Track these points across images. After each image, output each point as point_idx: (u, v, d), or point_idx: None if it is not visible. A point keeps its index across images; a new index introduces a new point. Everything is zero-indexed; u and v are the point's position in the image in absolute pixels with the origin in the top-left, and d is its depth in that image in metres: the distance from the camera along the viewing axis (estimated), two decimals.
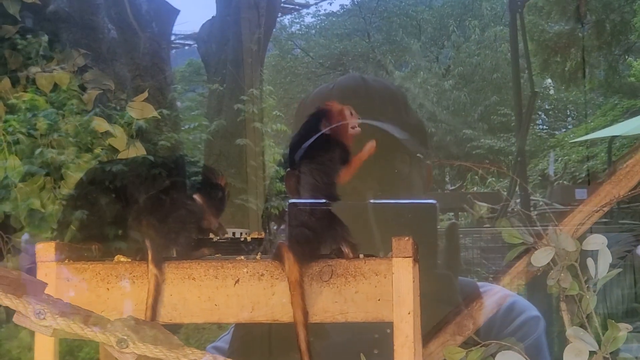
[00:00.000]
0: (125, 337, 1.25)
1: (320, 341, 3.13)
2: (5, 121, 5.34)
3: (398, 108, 3.38)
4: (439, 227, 3.12)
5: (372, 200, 3.16)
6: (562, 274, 2.11)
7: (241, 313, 2.15)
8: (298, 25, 12.31)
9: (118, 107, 5.84)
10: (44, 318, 1.25)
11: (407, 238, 2.10)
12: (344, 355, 2.61)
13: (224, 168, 6.69)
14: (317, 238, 2.20)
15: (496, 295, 2.37)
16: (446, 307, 2.53)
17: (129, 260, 2.29)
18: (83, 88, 5.81)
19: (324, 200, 2.55)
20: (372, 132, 3.23)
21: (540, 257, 2.15)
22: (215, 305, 2.17)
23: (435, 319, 2.31)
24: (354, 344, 2.88)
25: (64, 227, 3.95)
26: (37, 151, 5.15)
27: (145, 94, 5.82)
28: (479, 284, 2.68)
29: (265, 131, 7.10)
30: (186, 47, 9.61)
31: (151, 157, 2.65)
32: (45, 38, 6.31)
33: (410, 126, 3.31)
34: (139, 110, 5.53)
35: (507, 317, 2.92)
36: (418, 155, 3.29)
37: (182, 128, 6.79)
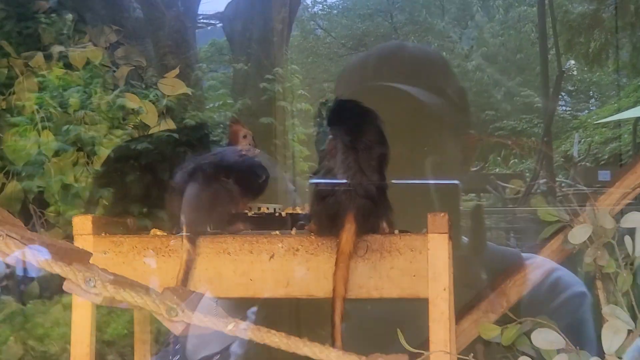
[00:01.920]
0: (175, 306, 1.26)
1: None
2: (38, 98, 5.36)
3: (435, 75, 3.35)
4: (461, 207, 3.10)
5: (394, 181, 3.14)
6: (599, 252, 2.10)
7: (276, 288, 2.16)
8: (320, 6, 12.24)
9: (146, 85, 5.85)
10: (94, 285, 1.25)
11: (442, 214, 2.10)
12: (374, 331, 2.60)
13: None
14: (377, 212, 2.21)
15: (540, 267, 2.36)
16: (467, 290, 2.53)
17: (165, 233, 2.31)
18: (114, 64, 5.82)
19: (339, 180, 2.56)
20: (403, 97, 3.20)
21: (578, 234, 2.14)
22: (250, 280, 2.18)
23: (456, 302, 2.30)
24: (384, 320, 2.88)
25: (92, 203, 3.98)
26: (66, 127, 5.16)
27: (177, 71, 5.83)
28: (524, 255, 2.65)
29: (291, 110, 7.09)
30: (209, 28, 9.59)
31: (176, 135, 2.66)
32: (70, 17, 6.31)
33: (448, 95, 3.28)
34: (170, 86, 5.54)
35: (552, 292, 2.89)
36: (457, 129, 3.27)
37: (207, 107, 6.78)
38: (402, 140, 3.16)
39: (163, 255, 2.23)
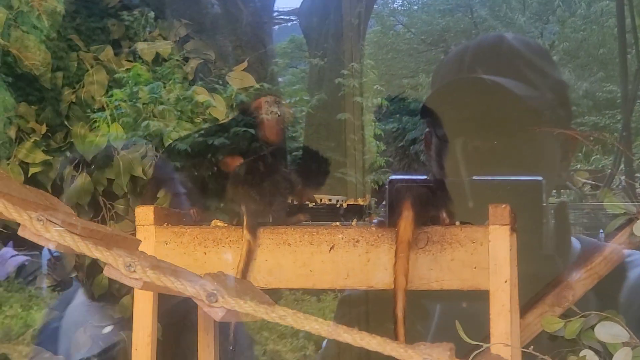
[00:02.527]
0: (215, 292, 1.26)
1: (422, 322, 3.13)
2: (110, 94, 5.43)
3: (534, 67, 3.30)
4: (544, 204, 3.05)
5: (475, 177, 3.12)
6: None
7: (336, 279, 2.15)
8: (400, 1, 12.20)
9: (220, 81, 5.88)
10: (133, 270, 1.26)
11: (504, 205, 2.07)
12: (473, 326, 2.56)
13: (324, 141, 6.69)
14: (435, 202, 2.20)
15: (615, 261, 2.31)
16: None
17: (226, 225, 2.32)
18: (184, 58, 5.86)
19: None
20: (498, 91, 3.16)
21: None
22: (311, 271, 2.18)
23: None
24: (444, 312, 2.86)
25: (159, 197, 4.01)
26: (143, 123, 5.22)
27: (245, 64, 5.84)
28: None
29: (366, 105, 7.06)
30: (289, 24, 9.62)
31: (252, 131, 2.67)
32: (152, 14, 6.37)
33: (547, 87, 3.23)
34: (239, 79, 5.56)
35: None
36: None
37: (283, 102, 6.79)
38: (495, 134, 3.13)
39: (224, 246, 2.24)
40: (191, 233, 2.26)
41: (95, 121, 5.35)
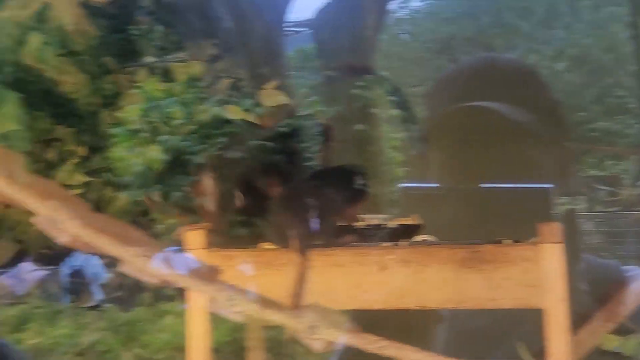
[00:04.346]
0: (315, 325, 1.26)
1: (435, 325, 3.13)
2: (144, 114, 5.44)
3: (529, 89, 3.34)
4: (552, 212, 3.06)
5: (483, 185, 3.13)
6: None
7: (388, 300, 2.15)
8: (406, 10, 12.21)
9: (242, 96, 5.89)
10: (236, 304, 1.26)
11: (555, 223, 2.06)
12: (482, 340, 2.59)
13: (342, 154, 6.69)
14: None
15: None
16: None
17: (274, 247, 2.31)
18: (214, 77, 5.87)
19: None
20: (494, 117, 3.21)
21: None
22: (362, 292, 2.17)
23: None
24: (492, 329, 2.86)
25: (189, 212, 4.02)
26: (164, 138, 5.23)
27: (275, 82, 5.85)
28: (626, 267, 2.61)
29: (382, 117, 7.07)
30: (295, 35, 9.63)
31: (272, 144, 2.67)
32: (161, 28, 6.38)
33: (543, 108, 3.27)
34: (270, 97, 5.57)
35: None
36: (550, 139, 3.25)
37: (299, 114, 6.79)
38: (492, 158, 3.17)
39: (273, 270, 2.23)
40: (241, 256, 2.25)
41: (114, 136, 5.36)
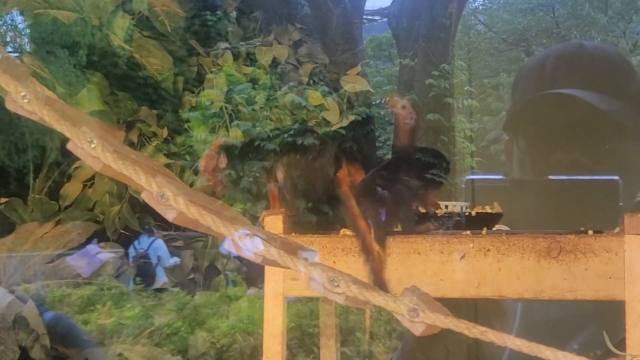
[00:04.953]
0: (416, 307, 1.26)
1: (497, 318, 3.11)
2: (201, 94, 5.48)
3: (616, 77, 3.29)
4: (620, 203, 3.02)
5: (551, 177, 3.10)
6: None
7: (467, 289, 2.14)
8: (481, 1, 12.12)
9: (315, 81, 5.90)
10: (337, 285, 1.27)
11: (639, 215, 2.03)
12: (557, 331, 2.56)
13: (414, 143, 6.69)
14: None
15: None
16: None
17: (353, 234, 2.31)
18: (298, 62, 5.91)
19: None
20: (580, 105, 3.16)
21: None
22: (441, 280, 2.17)
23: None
24: (567, 321, 2.83)
25: (259, 198, 4.04)
26: (235, 123, 5.26)
27: (359, 68, 5.88)
28: None
29: (457, 107, 7.04)
30: (369, 23, 9.61)
31: (342, 131, 2.65)
32: (234, 14, 6.42)
33: (630, 97, 3.22)
34: (352, 83, 5.59)
35: None
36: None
37: (373, 103, 6.79)
38: (577, 148, 3.13)
39: (353, 256, 2.23)
40: (320, 242, 2.26)
41: (188, 121, 5.42)
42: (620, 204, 2.96)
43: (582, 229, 2.17)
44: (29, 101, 1.21)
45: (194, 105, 5.26)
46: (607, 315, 2.43)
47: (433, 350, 3.77)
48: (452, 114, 6.91)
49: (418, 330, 1.31)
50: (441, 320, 1.26)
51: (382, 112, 6.61)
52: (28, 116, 1.23)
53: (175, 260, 8.95)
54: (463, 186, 2.49)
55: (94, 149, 1.21)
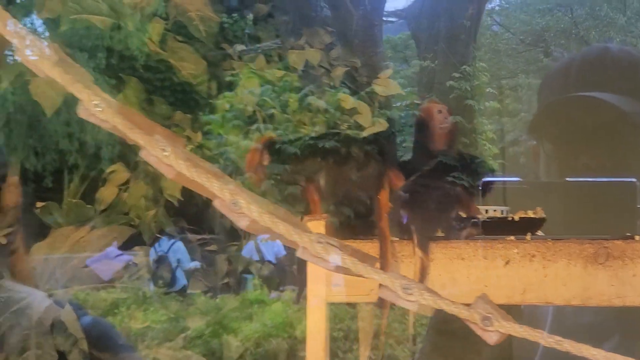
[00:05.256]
0: (490, 315, 1.25)
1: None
2: (222, 97, 5.47)
3: None
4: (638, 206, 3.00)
5: (568, 179, 3.09)
6: None
7: (512, 295, 2.12)
8: (498, 1, 12.08)
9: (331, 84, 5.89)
10: (411, 293, 1.26)
11: None
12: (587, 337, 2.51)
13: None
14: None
15: None
16: None
17: (396, 239, 2.29)
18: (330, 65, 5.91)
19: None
20: (605, 108, 3.15)
21: None
22: (485, 286, 2.14)
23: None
24: (596, 326, 2.81)
25: (282, 201, 4.02)
26: (256, 127, 5.25)
27: (390, 71, 5.87)
28: None
29: (478, 109, 7.01)
30: (387, 24, 9.59)
31: (363, 134, 2.63)
32: (251, 17, 6.41)
33: None
34: (384, 86, 5.57)
35: None
36: None
37: (394, 105, 6.78)
38: (605, 151, 3.12)
39: (395, 261, 2.21)
40: (362, 247, 2.23)
41: (208, 124, 5.41)
42: (638, 205, 2.94)
43: (629, 234, 2.14)
44: (102, 110, 1.20)
45: (226, 109, 5.26)
46: (633, 323, 2.42)
47: (452, 350, 3.77)
48: (474, 116, 6.88)
49: (492, 339, 1.29)
50: (515, 329, 1.24)
51: (401, 114, 6.60)
52: (100, 124, 1.21)
53: (195, 264, 8.97)
54: (480, 188, 2.47)
55: (167, 157, 1.20)
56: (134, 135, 1.20)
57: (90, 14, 4.70)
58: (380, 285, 1.27)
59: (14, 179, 3.92)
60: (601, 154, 3.24)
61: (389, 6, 8.65)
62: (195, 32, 4.96)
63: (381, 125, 5.41)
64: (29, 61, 1.23)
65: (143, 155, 1.21)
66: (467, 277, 2.15)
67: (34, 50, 1.22)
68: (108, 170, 6.15)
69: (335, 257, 1.28)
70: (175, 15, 4.88)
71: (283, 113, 5.16)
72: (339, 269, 1.30)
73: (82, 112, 1.21)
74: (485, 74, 7.50)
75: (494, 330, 1.25)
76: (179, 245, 8.94)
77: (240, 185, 1.23)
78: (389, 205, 2.33)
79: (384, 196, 2.37)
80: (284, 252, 8.29)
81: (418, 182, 2.33)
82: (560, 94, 3.51)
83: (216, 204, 1.24)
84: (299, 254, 1.31)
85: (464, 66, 6.91)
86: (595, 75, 3.44)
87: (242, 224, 1.24)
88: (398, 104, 6.81)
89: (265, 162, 2.54)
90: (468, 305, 1.27)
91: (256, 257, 8.12)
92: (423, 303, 1.26)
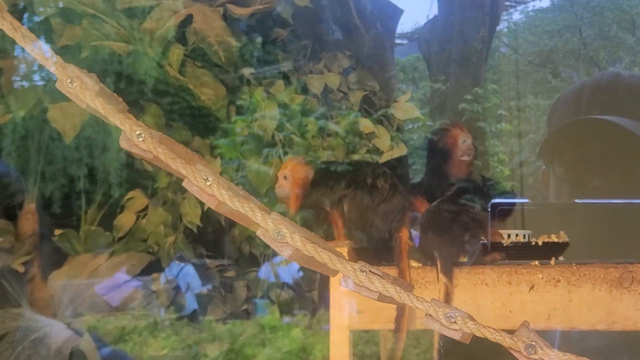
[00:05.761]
0: (534, 343, 1.25)
1: None
2: (233, 121, 5.47)
3: None
4: None
5: (577, 200, 3.10)
6: None
7: (537, 320, 2.12)
8: (505, 23, 12.08)
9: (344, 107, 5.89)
10: (454, 322, 1.26)
11: None
12: None
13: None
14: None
15: None
16: None
17: (420, 265, 2.30)
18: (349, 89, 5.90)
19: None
20: (617, 131, 3.17)
21: None
22: (510, 311, 2.15)
23: None
24: (605, 350, 2.81)
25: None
26: (267, 151, 5.25)
27: (409, 95, 5.86)
28: None
29: (490, 131, 7.01)
30: (397, 47, 9.60)
31: (375, 158, 2.64)
32: (259, 40, 6.42)
33: None
34: (403, 110, 5.57)
35: None
36: None
37: (406, 128, 6.77)
38: (616, 174, 3.13)
39: (419, 287, 2.22)
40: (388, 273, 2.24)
41: (218, 147, 5.41)
42: None
43: None
44: (143, 139, 1.21)
45: (246, 134, 5.26)
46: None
47: None
48: (486, 138, 6.88)
49: None
50: (560, 357, 1.24)
51: (414, 137, 6.59)
52: (141, 154, 1.22)
53: (206, 287, 8.93)
54: (489, 210, 2.48)
55: (210, 186, 1.21)
56: (177, 165, 1.21)
57: (111, 41, 4.72)
58: (426, 314, 1.27)
59: (30, 206, 3.94)
60: (612, 177, 3.26)
61: (398, 29, 8.67)
62: (214, 57, 4.97)
63: (400, 150, 5.40)
64: (70, 92, 1.24)
65: (185, 185, 1.22)
66: (492, 302, 2.16)
67: (75, 81, 1.23)
68: (126, 197, 6.15)
69: (379, 286, 1.28)
70: (195, 41, 4.89)
71: (302, 137, 5.15)
72: (382, 298, 1.30)
73: (124, 143, 1.22)
74: (497, 96, 7.51)
75: (538, 358, 1.25)
76: (189, 269, 8.89)
77: (282, 215, 1.24)
78: (409, 244, 2.34)
79: (404, 235, 2.37)
80: (300, 274, 8.27)
81: (440, 207, 2.34)
82: (572, 118, 3.53)
83: (259, 233, 1.25)
84: (342, 283, 1.32)
85: (476, 88, 6.92)
86: (606, 99, 3.47)
87: (285, 253, 1.25)
88: (410, 127, 6.81)
89: (298, 191, 2.55)
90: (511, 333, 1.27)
91: (272, 279, 8.10)
92: (467, 332, 1.26)
